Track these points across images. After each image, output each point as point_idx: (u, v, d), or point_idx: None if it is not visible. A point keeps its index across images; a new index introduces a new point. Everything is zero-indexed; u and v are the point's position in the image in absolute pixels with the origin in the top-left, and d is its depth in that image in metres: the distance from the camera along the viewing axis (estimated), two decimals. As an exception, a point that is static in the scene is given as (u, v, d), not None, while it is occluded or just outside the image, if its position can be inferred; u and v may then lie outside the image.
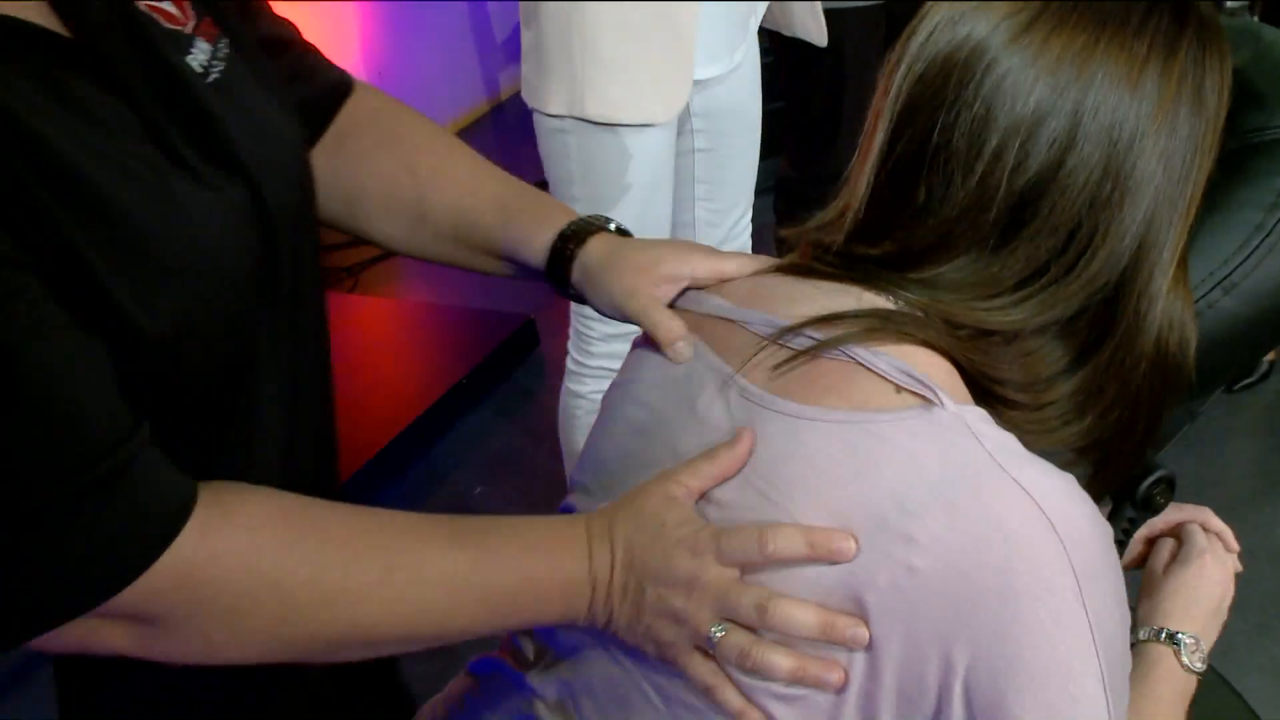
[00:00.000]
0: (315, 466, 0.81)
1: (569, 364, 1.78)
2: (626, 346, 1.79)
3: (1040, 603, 0.59)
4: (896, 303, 0.69)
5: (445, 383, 2.61)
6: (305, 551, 0.64)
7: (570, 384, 1.78)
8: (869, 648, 0.62)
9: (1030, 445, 0.64)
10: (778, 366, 0.68)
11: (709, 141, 1.71)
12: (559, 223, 0.84)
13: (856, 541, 0.62)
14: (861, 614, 0.62)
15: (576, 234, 0.83)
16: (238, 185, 0.68)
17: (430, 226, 0.88)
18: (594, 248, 0.83)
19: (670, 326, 0.76)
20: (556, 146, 1.55)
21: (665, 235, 1.68)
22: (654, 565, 0.68)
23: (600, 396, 1.82)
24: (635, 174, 1.55)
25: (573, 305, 1.71)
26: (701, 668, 0.68)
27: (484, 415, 2.60)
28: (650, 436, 0.76)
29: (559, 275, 0.84)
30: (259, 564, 0.63)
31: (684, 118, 1.66)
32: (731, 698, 0.67)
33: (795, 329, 0.68)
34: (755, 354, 0.70)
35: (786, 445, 0.66)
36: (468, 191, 0.87)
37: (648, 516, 0.69)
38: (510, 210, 0.86)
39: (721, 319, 0.74)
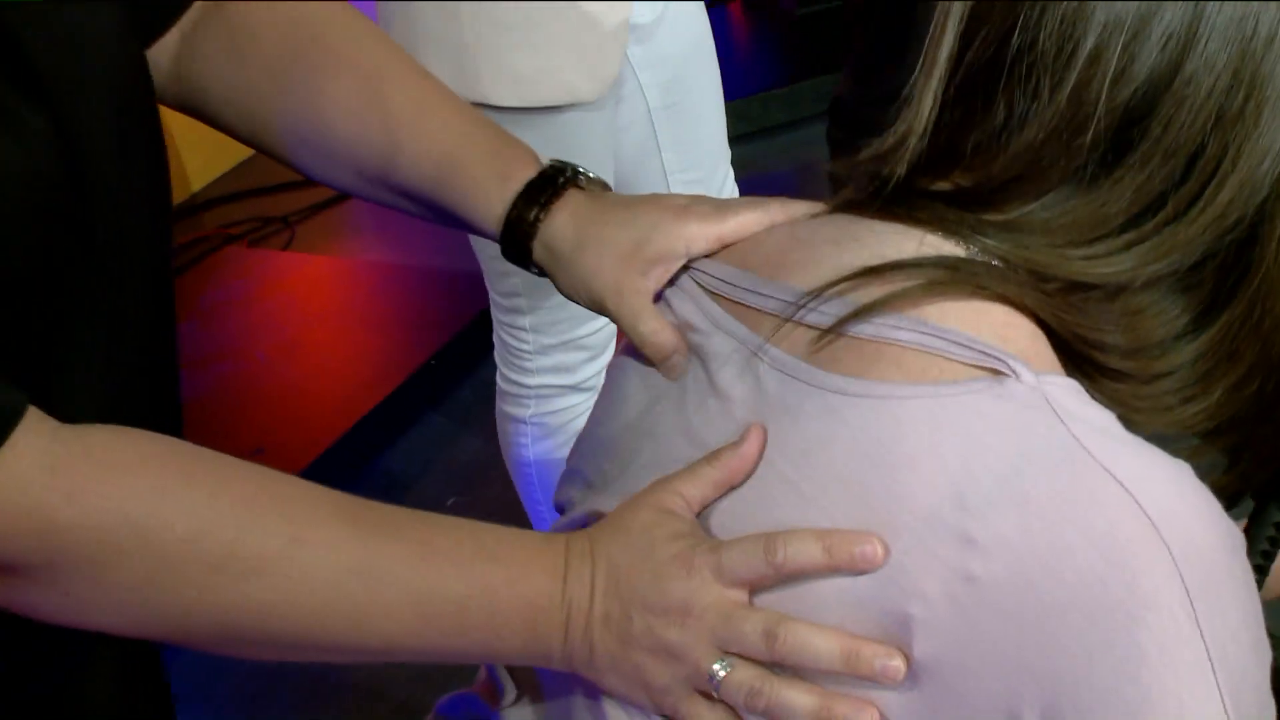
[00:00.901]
0: (156, 418, 0.83)
1: (500, 384, 1.77)
2: (574, 357, 1.80)
3: (1139, 624, 0.59)
4: (969, 249, 0.69)
5: (406, 367, 2.64)
6: (188, 503, 0.67)
7: (506, 406, 1.77)
8: (913, 678, 0.63)
9: (1140, 428, 0.65)
10: (814, 341, 0.69)
11: (665, 97, 1.63)
12: (513, 179, 0.84)
13: (885, 546, 0.63)
14: (904, 635, 0.63)
15: (536, 197, 0.83)
16: (35, 108, 0.70)
17: (339, 165, 0.90)
18: (560, 222, 0.83)
19: (659, 342, 0.78)
20: None
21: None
22: (642, 589, 0.69)
23: (549, 417, 1.83)
24: (596, 157, 1.50)
25: (492, 299, 1.69)
26: (706, 713, 0.69)
27: (456, 408, 2.62)
28: (659, 418, 0.77)
29: (517, 253, 0.85)
30: (126, 509, 0.66)
31: (624, 76, 1.57)
32: None
33: (835, 285, 0.69)
34: (788, 319, 0.71)
35: (825, 427, 0.67)
36: (399, 125, 0.87)
37: (636, 532, 0.71)
38: (452, 162, 0.86)
39: (740, 296, 0.75)
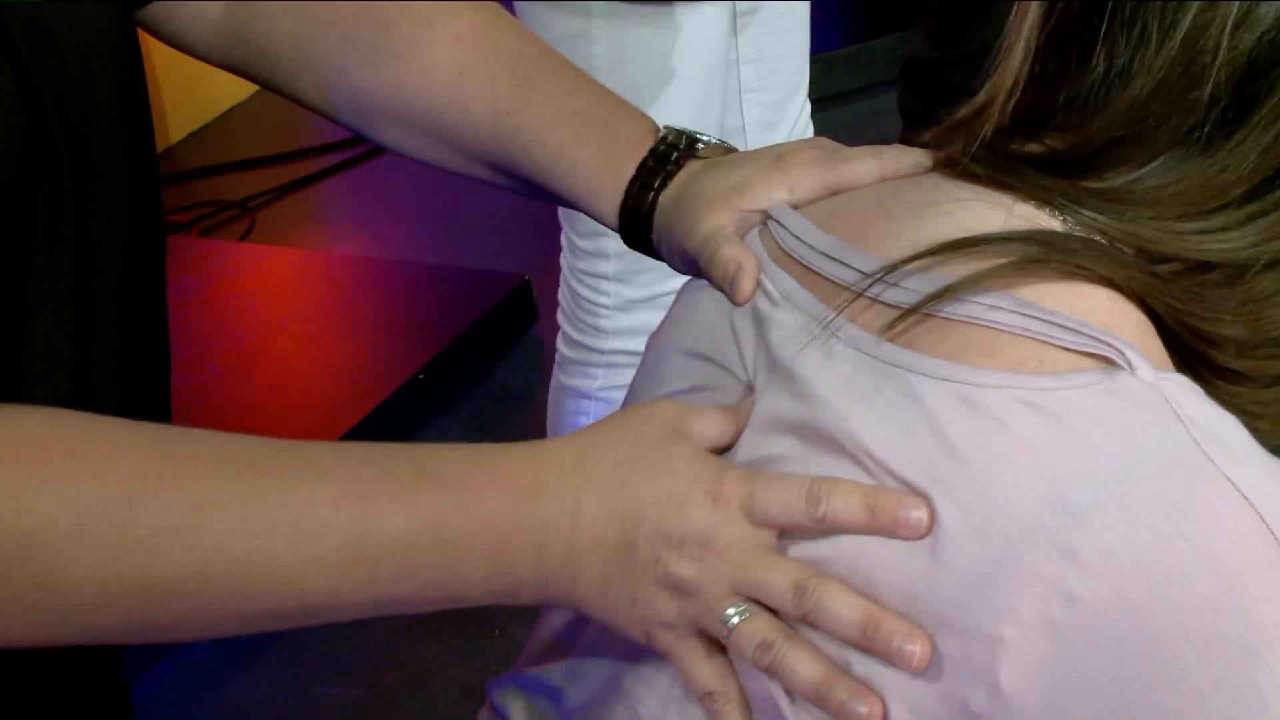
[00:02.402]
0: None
1: (562, 349, 1.82)
2: (659, 319, 1.84)
3: (1257, 661, 0.61)
4: (1066, 222, 0.73)
5: (390, 381, 2.67)
6: (71, 491, 0.70)
7: (567, 378, 1.81)
8: (994, 712, 0.66)
9: (1262, 437, 0.67)
10: (893, 323, 0.72)
11: (749, 4, 1.74)
12: (627, 164, 0.92)
13: (933, 514, 0.67)
14: (991, 661, 0.65)
15: (650, 181, 0.91)
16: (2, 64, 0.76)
17: (442, 144, 0.98)
18: (671, 190, 0.90)
19: (729, 254, 0.82)
20: (575, 53, 1.55)
21: None
22: (654, 513, 0.72)
23: (620, 394, 1.85)
24: (687, 67, 1.60)
25: (567, 239, 1.75)
26: (702, 667, 0.74)
27: (454, 425, 2.66)
28: (708, 392, 0.81)
29: (640, 243, 0.93)
30: None
31: None
32: (733, 712, 0.73)
33: (915, 260, 0.72)
34: (857, 295, 0.74)
35: (904, 413, 0.70)
36: (506, 109, 0.95)
37: (647, 441, 0.75)
38: (564, 153, 0.94)
39: (816, 263, 0.79)
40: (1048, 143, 0.74)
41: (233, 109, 3.73)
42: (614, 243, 1.66)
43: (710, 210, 0.86)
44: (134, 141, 0.88)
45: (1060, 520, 0.64)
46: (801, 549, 0.73)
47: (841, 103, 3.30)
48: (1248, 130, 0.69)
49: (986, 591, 0.66)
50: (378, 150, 3.35)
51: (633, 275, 1.70)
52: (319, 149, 3.47)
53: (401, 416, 2.64)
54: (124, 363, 0.90)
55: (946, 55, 2.37)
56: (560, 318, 1.82)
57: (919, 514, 0.68)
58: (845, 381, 0.73)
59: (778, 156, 0.87)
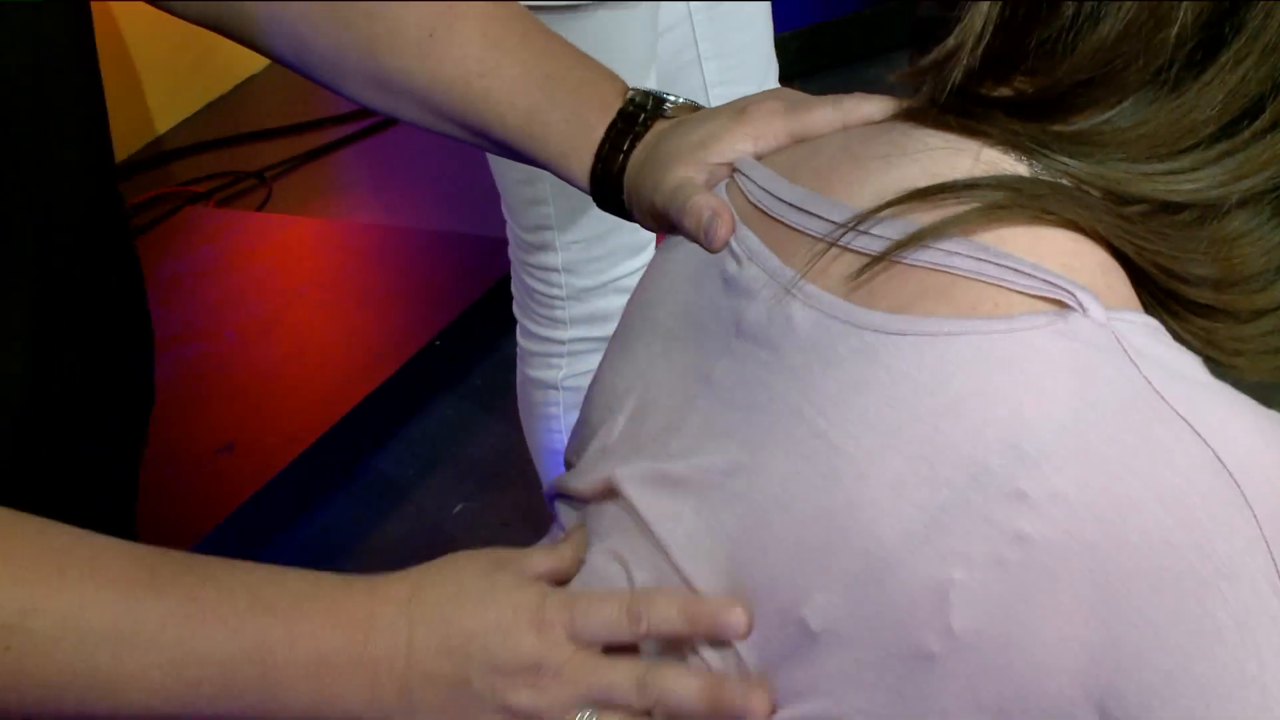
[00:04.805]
0: (96, 394, 0.90)
1: (523, 342, 1.82)
2: (613, 303, 1.81)
3: (1213, 594, 0.61)
4: (1032, 167, 0.73)
5: (406, 349, 2.69)
6: None
7: (532, 370, 1.82)
8: (951, 653, 0.66)
9: (1242, 377, 0.68)
10: (860, 271, 0.72)
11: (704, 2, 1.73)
12: (597, 128, 0.93)
13: (750, 616, 0.72)
14: (940, 605, 0.66)
15: (620, 143, 0.92)
16: None
17: (414, 104, 0.99)
18: (639, 151, 0.91)
19: (701, 203, 0.83)
20: None
21: None
22: (482, 646, 0.75)
23: (585, 379, 1.84)
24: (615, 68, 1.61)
25: (513, 236, 1.76)
26: None
27: (466, 398, 2.68)
28: (678, 359, 0.82)
29: (613, 205, 0.95)
30: None
31: None
32: None
33: (880, 210, 0.73)
34: (824, 252, 0.74)
35: (860, 370, 0.70)
36: (477, 70, 0.96)
37: (467, 576, 0.77)
38: (535, 116, 0.95)
39: (782, 213, 0.79)
40: (1017, 86, 0.74)
41: (249, 80, 3.75)
42: (558, 235, 1.70)
43: (678, 164, 0.87)
44: (87, 119, 0.90)
45: (1009, 464, 0.65)
46: None
47: (855, 68, 3.31)
48: (1215, 70, 0.70)
49: (934, 537, 0.66)
50: (394, 120, 3.35)
51: (581, 265, 1.71)
52: (335, 119, 3.48)
53: (416, 384, 2.67)
54: (88, 343, 0.91)
55: (957, 15, 2.38)
56: (516, 311, 1.83)
57: (735, 619, 0.72)
58: (804, 342, 0.74)
59: (741, 109, 0.88)
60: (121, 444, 1.03)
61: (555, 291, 1.74)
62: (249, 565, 0.78)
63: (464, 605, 0.76)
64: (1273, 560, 0.63)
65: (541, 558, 0.81)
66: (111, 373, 0.97)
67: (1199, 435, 0.64)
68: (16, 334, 0.85)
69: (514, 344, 1.85)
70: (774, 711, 0.72)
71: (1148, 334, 0.68)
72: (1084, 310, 0.67)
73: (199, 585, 0.75)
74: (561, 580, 0.81)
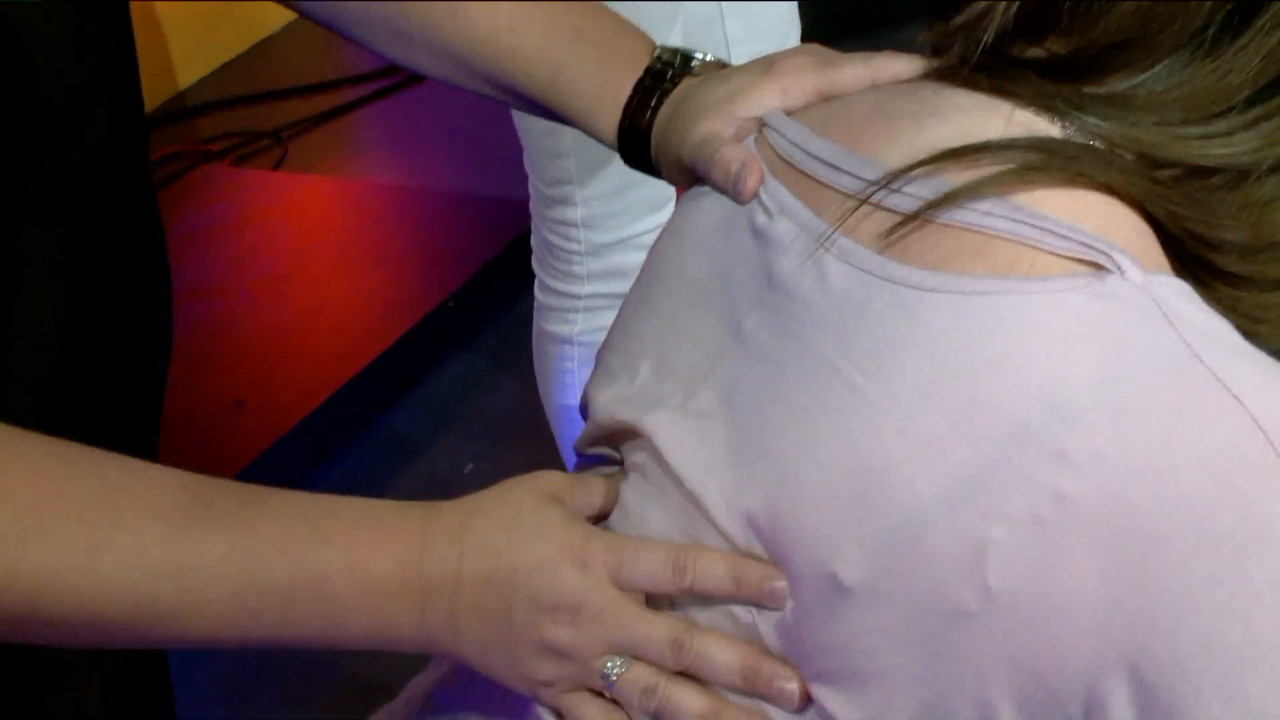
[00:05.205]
0: (119, 358, 0.92)
1: (540, 296, 1.83)
2: (631, 260, 1.81)
3: (1251, 558, 0.62)
4: (1065, 128, 0.73)
5: (420, 308, 2.70)
6: None
7: (548, 324, 1.82)
8: (988, 611, 0.66)
9: (1265, 344, 0.68)
10: (893, 229, 0.72)
11: None
12: (624, 86, 0.93)
13: (790, 584, 0.72)
14: (979, 563, 0.66)
15: (647, 100, 0.93)
16: None
17: (443, 60, 0.99)
18: (666, 107, 0.92)
19: (730, 154, 0.83)
20: None
21: None
22: (527, 580, 0.76)
23: (600, 335, 1.84)
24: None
25: (534, 190, 1.76)
26: (590, 708, 0.78)
27: (480, 358, 2.69)
28: (705, 309, 0.82)
29: (640, 163, 0.95)
30: None
31: None
32: None
33: (914, 168, 0.73)
34: (856, 207, 0.74)
35: (897, 326, 0.70)
36: (506, 26, 0.96)
37: (522, 512, 0.78)
38: (562, 73, 0.95)
39: (812, 168, 0.79)
40: (1050, 47, 0.74)
41: (266, 39, 3.74)
42: (579, 189, 1.69)
43: (705, 118, 0.87)
44: (114, 56, 0.90)
45: (1050, 424, 0.65)
46: None
47: (874, 36, 3.27)
48: (1252, 34, 0.69)
49: (974, 494, 0.66)
50: (409, 81, 3.37)
51: (601, 220, 1.71)
52: (352, 79, 3.48)
53: (430, 342, 2.68)
54: (115, 301, 0.93)
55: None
56: (535, 265, 1.83)
57: (782, 584, 0.72)
58: (838, 296, 0.74)
59: (769, 65, 0.88)
60: (145, 389, 1.04)
61: (573, 246, 1.74)
62: (303, 495, 0.79)
63: (514, 539, 0.77)
64: None
65: (591, 489, 0.81)
66: (135, 315, 0.99)
67: (1237, 399, 0.64)
68: (56, 274, 0.87)
69: (529, 305, 1.86)
70: (808, 700, 0.73)
71: (1184, 297, 0.68)
72: (1122, 272, 0.67)
73: (257, 519, 0.77)
74: (602, 515, 0.82)
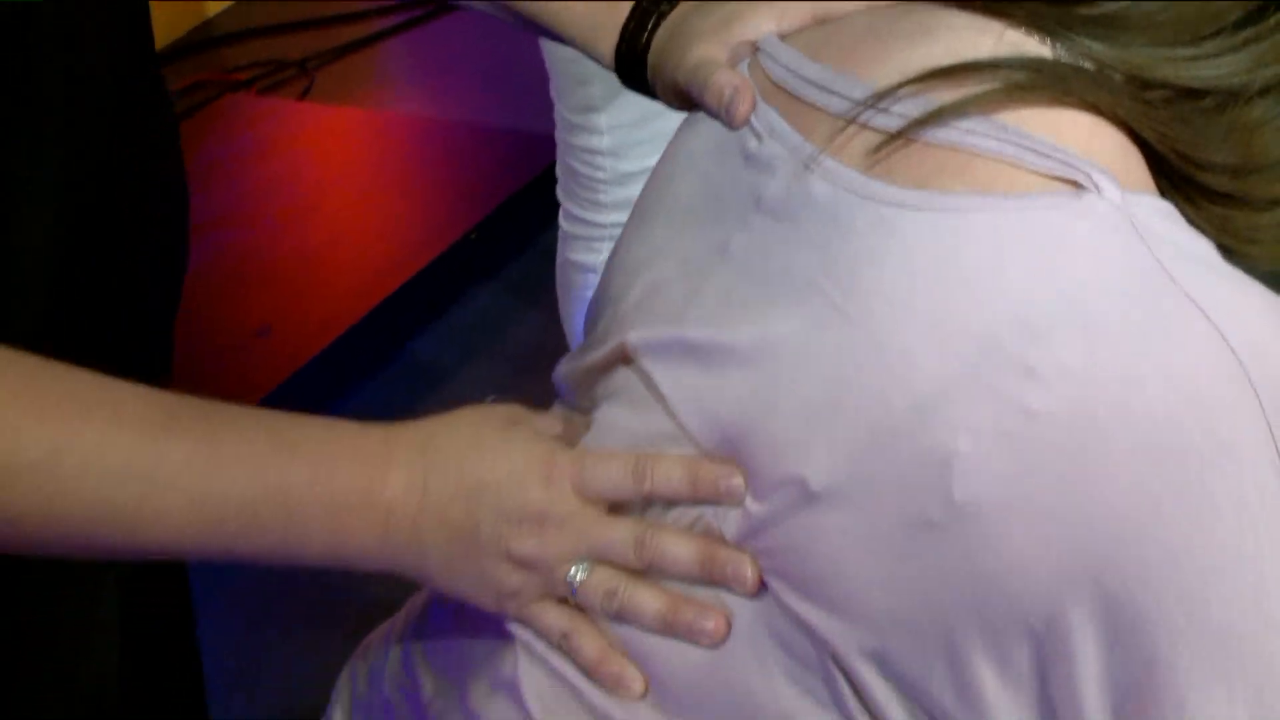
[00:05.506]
0: (128, 251, 0.92)
1: (564, 225, 1.83)
2: None
3: (1214, 471, 0.63)
4: (1055, 49, 0.73)
5: (444, 237, 2.71)
6: None
7: (572, 253, 1.82)
8: (950, 521, 0.67)
9: (1257, 265, 0.69)
10: (879, 147, 0.73)
11: None
12: (623, 11, 0.94)
13: (747, 482, 0.74)
14: (944, 475, 0.67)
15: (645, 21, 0.93)
16: None
17: None
18: (663, 30, 0.92)
19: (723, 79, 0.84)
20: None
21: None
22: (493, 493, 0.78)
23: None
24: None
25: (560, 118, 1.76)
26: (551, 616, 0.79)
27: (503, 288, 2.71)
28: (695, 230, 0.83)
29: (639, 85, 0.96)
30: None
31: None
32: (589, 644, 0.78)
33: (902, 87, 0.73)
34: (843, 129, 0.75)
35: (876, 242, 0.71)
36: None
37: (486, 429, 0.80)
38: None
39: (803, 91, 0.80)
40: None
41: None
42: (605, 117, 1.69)
43: (700, 42, 0.88)
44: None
45: (1020, 339, 0.66)
46: None
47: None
48: None
49: (942, 405, 0.67)
50: (437, 12, 3.37)
51: (626, 149, 1.71)
52: (379, 10, 3.48)
53: (454, 273, 2.69)
54: (119, 200, 0.94)
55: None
56: (559, 194, 1.83)
57: (738, 481, 0.74)
58: (822, 216, 0.74)
59: None
60: (158, 309, 1.06)
61: (599, 174, 1.74)
62: (268, 412, 0.80)
63: (480, 455, 0.79)
64: (1274, 441, 0.64)
65: (553, 420, 0.83)
66: (147, 238, 1.00)
67: (1206, 316, 0.65)
68: (47, 193, 0.87)
69: (552, 239, 1.87)
70: (762, 584, 0.74)
71: (1162, 216, 0.68)
72: (1099, 191, 0.68)
73: (220, 429, 0.78)
74: (570, 443, 0.83)
